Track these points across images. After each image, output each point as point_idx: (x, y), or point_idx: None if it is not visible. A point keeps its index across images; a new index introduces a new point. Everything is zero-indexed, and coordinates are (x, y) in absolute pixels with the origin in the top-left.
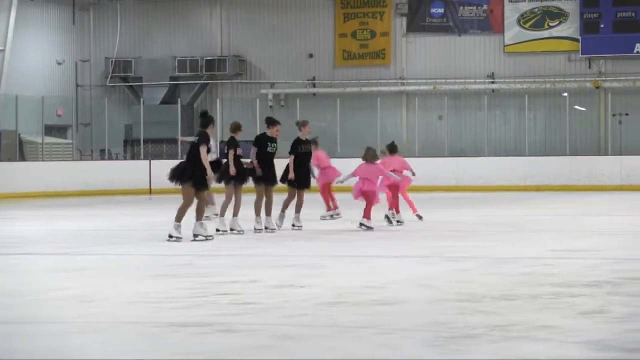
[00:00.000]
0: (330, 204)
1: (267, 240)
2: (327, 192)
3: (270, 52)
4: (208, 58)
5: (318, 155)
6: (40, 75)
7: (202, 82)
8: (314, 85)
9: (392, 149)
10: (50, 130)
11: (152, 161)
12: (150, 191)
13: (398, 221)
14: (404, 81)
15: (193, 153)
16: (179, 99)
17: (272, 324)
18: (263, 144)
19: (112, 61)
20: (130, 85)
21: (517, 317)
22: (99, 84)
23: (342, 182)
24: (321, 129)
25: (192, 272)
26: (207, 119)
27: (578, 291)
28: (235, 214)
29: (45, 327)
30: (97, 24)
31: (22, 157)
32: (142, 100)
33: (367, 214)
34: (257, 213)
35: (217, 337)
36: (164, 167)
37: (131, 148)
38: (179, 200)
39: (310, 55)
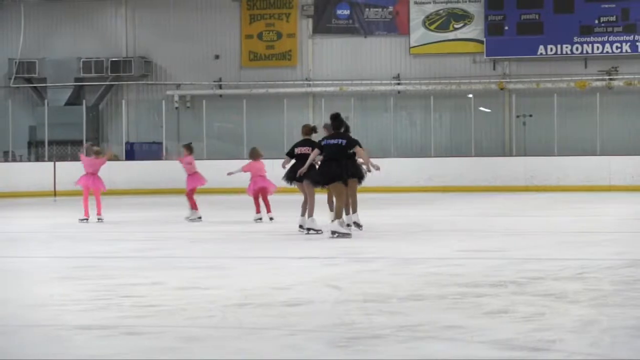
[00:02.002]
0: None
1: (169, 242)
2: (192, 196)
3: (176, 53)
4: (113, 59)
5: (188, 160)
6: None
7: (107, 83)
8: (220, 87)
9: (254, 154)
10: None
11: (57, 163)
12: (55, 193)
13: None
14: (311, 82)
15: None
16: (84, 100)
17: (178, 326)
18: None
19: (15, 62)
20: (35, 87)
21: (424, 317)
22: (2, 85)
23: (232, 173)
24: (228, 130)
25: (96, 274)
26: (338, 122)
27: (483, 291)
28: (309, 215)
29: None
30: (1, 24)
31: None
32: (46, 101)
33: (268, 208)
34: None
35: (123, 339)
36: (69, 169)
37: (35, 150)
38: (77, 202)
39: (217, 57)
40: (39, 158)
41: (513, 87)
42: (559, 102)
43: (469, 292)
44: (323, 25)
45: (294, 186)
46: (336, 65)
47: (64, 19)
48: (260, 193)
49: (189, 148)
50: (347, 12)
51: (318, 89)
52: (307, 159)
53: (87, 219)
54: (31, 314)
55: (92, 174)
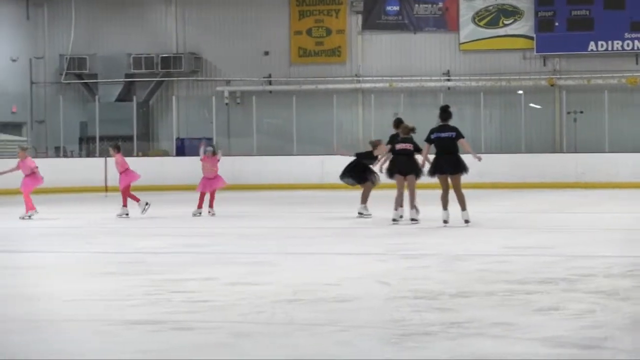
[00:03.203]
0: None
1: (219, 238)
2: (127, 192)
3: (226, 49)
4: (163, 55)
5: (117, 159)
6: None
7: (157, 79)
8: (270, 83)
9: (214, 152)
10: (4, 127)
11: (108, 159)
12: (105, 189)
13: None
14: (360, 79)
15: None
16: (134, 97)
17: (228, 322)
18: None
19: (66, 58)
20: (85, 83)
21: (474, 314)
22: (54, 81)
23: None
24: (277, 126)
25: (146, 269)
26: (447, 114)
27: (533, 288)
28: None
29: None
30: (52, 20)
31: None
32: (97, 97)
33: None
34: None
35: (172, 335)
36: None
37: (86, 146)
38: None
39: (266, 53)
40: (89, 154)
41: (563, 84)
42: (609, 99)
43: (518, 289)
44: (372, 21)
45: (393, 181)
46: (385, 62)
47: (114, 15)
48: (209, 189)
49: (116, 147)
50: (396, 8)
51: (367, 85)
52: (407, 154)
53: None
54: (80, 309)
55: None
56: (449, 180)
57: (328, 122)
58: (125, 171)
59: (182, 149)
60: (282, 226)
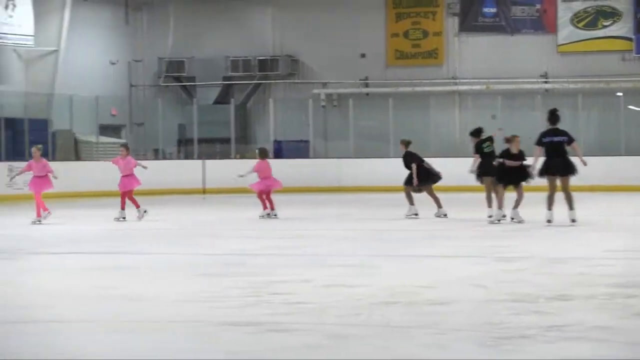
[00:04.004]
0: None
1: (315, 240)
2: (131, 195)
3: (322, 51)
4: (261, 58)
5: (131, 161)
6: (94, 76)
7: (255, 82)
8: (366, 85)
9: (263, 153)
10: (104, 129)
11: (206, 161)
12: (204, 191)
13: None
14: (457, 81)
15: None
16: (232, 99)
17: (326, 324)
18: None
19: (165, 61)
20: (184, 85)
21: (572, 318)
22: (152, 84)
23: (243, 176)
24: (374, 128)
25: (244, 271)
26: (555, 117)
27: (633, 292)
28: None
29: (95, 326)
30: (150, 24)
31: (77, 157)
32: (195, 100)
33: (272, 205)
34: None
35: (269, 336)
36: (218, 167)
37: (184, 148)
38: (232, 199)
39: (363, 55)
40: (188, 156)
41: None
42: None
43: (618, 292)
44: (469, 23)
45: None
46: (482, 64)
47: (212, 18)
48: (265, 191)
49: (127, 147)
50: (493, 10)
51: (464, 87)
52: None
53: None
54: (179, 310)
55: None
56: (558, 181)
57: (424, 124)
58: (131, 175)
59: (279, 151)
60: (378, 228)
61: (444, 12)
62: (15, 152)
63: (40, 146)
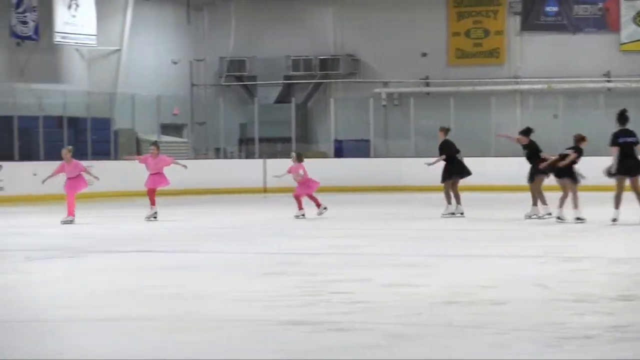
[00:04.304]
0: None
1: (375, 239)
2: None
3: (383, 50)
4: (322, 57)
5: (166, 159)
6: (155, 75)
7: (315, 81)
8: (427, 84)
9: (299, 157)
10: (166, 129)
11: (267, 160)
12: (265, 190)
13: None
14: (518, 80)
15: None
16: (292, 98)
17: (385, 323)
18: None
19: (226, 60)
20: (245, 85)
21: (635, 318)
22: (214, 83)
23: (279, 177)
24: (434, 128)
25: (304, 270)
26: (625, 118)
27: None
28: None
29: (155, 324)
30: (212, 24)
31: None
32: (256, 99)
33: (317, 202)
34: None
35: (329, 335)
36: (278, 166)
37: (245, 147)
38: (292, 199)
39: (424, 54)
40: (249, 155)
41: None
42: None
43: None
44: (531, 22)
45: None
46: (544, 63)
47: (273, 18)
48: (305, 195)
49: (158, 146)
50: (555, 9)
51: (525, 87)
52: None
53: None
54: (237, 309)
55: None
56: (628, 181)
57: (485, 123)
58: (160, 174)
59: (340, 150)
60: (439, 228)
61: (506, 11)
62: (78, 151)
63: (70, 147)
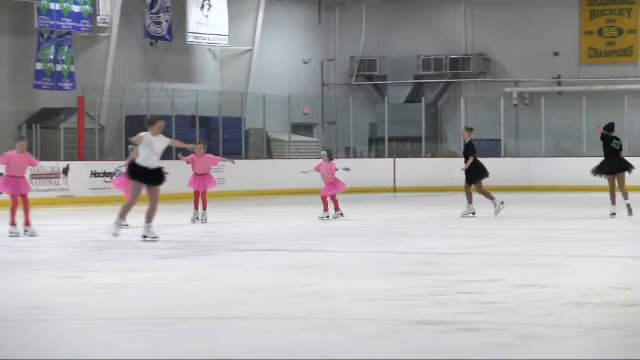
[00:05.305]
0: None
1: (503, 239)
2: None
3: (514, 50)
4: (452, 57)
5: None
6: (287, 75)
7: (446, 80)
8: (559, 84)
9: (329, 155)
10: (297, 128)
11: (397, 160)
12: (395, 189)
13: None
14: None
15: None
16: (423, 98)
17: (515, 324)
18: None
19: (357, 60)
20: (375, 84)
21: None
22: (344, 83)
23: (306, 173)
24: (566, 128)
25: (434, 270)
26: None
27: None
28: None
29: (283, 323)
30: (343, 24)
31: (270, 155)
32: (386, 99)
33: (337, 205)
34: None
35: (459, 335)
36: (408, 165)
37: (375, 146)
38: (422, 198)
39: (556, 54)
40: (379, 155)
41: None
42: None
43: None
44: None
45: None
46: None
47: (403, 17)
48: (329, 195)
49: (206, 146)
50: None
51: None
52: None
53: None
54: (368, 308)
55: None
56: None
57: (619, 123)
58: (207, 175)
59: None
60: (570, 228)
61: None
62: (210, 150)
63: (200, 146)
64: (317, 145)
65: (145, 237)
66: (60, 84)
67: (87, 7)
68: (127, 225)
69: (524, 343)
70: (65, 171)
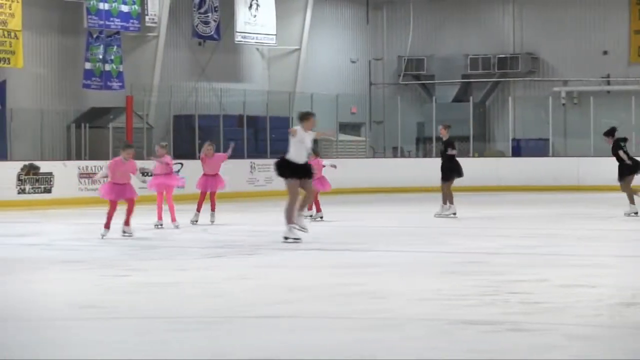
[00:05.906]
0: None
1: (553, 239)
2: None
3: (562, 48)
4: (500, 56)
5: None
6: (334, 74)
7: (494, 80)
8: (608, 83)
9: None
10: (344, 127)
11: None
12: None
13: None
14: None
15: None
16: (470, 97)
17: (563, 324)
18: None
19: (404, 59)
20: (423, 83)
21: None
22: (392, 82)
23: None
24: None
25: (483, 269)
26: None
27: None
28: None
29: (334, 323)
30: (390, 23)
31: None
32: (434, 98)
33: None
34: None
35: (507, 335)
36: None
37: (423, 146)
38: (471, 198)
39: (605, 52)
40: (426, 154)
41: None
42: None
43: None
44: None
45: None
46: None
47: (451, 16)
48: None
49: (213, 144)
50: None
51: None
52: None
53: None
54: (418, 307)
55: None
56: None
57: None
58: (217, 175)
59: (518, 149)
60: (619, 228)
61: None
62: (257, 149)
63: (210, 147)
64: (364, 144)
65: (300, 227)
66: (109, 84)
67: (136, 7)
68: (308, 221)
69: (574, 343)
70: None
